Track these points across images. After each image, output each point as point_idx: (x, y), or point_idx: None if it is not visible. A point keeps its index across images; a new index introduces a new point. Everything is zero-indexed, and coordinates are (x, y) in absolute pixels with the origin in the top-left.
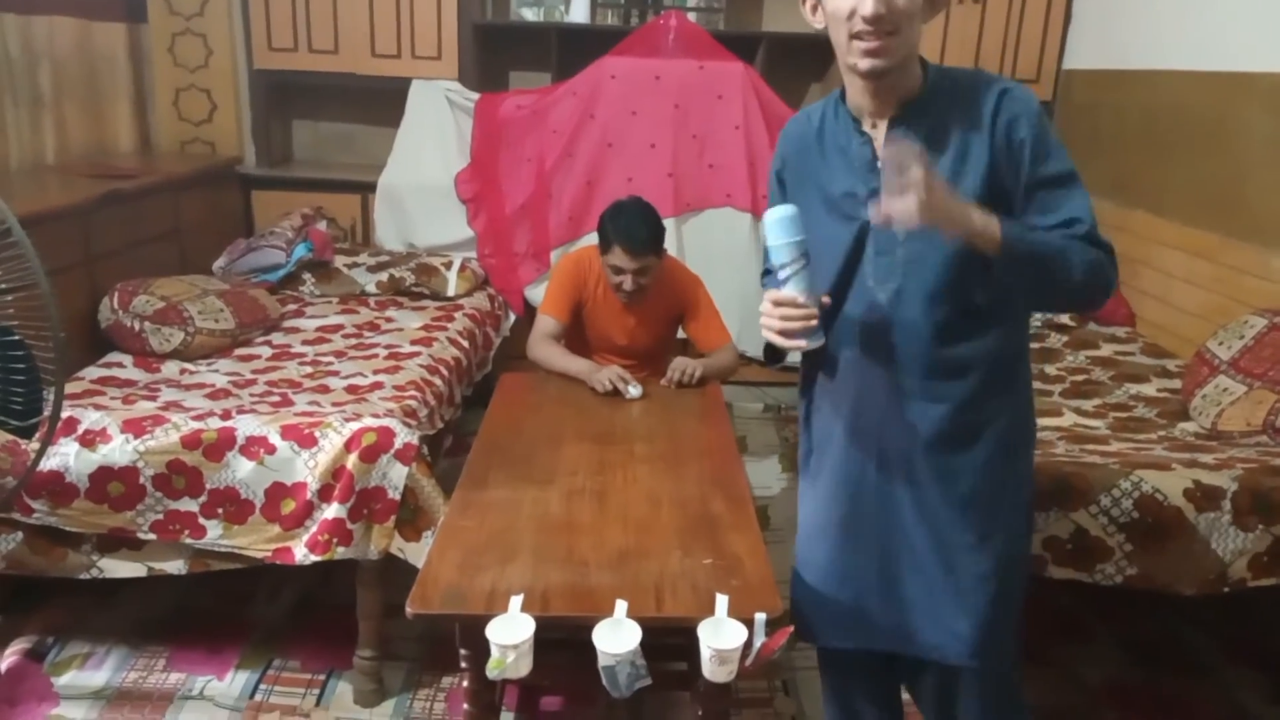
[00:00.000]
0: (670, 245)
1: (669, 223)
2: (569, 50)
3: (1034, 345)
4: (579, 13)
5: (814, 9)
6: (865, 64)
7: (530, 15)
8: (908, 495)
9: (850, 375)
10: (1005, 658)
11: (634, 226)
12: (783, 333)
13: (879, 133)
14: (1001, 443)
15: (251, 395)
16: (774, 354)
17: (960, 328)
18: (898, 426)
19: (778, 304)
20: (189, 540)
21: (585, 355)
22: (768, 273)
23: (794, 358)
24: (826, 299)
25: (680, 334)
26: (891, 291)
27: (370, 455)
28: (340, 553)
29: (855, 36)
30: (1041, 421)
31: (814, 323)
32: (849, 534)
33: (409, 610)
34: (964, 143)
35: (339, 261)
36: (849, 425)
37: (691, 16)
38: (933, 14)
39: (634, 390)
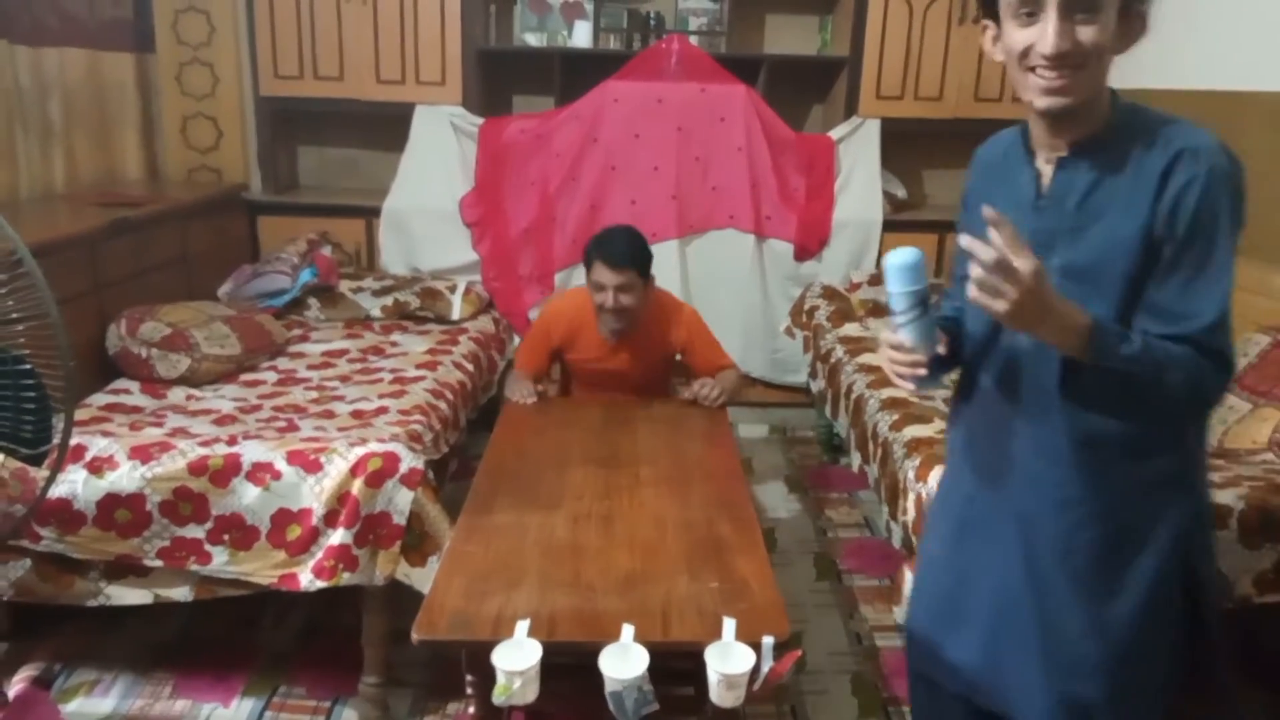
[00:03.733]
0: (674, 267)
1: (673, 244)
2: (572, 74)
3: None
4: (582, 37)
5: (994, 40)
6: (1044, 102)
7: (533, 40)
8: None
9: (985, 406)
10: None
11: (614, 241)
12: (894, 373)
13: (1050, 168)
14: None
15: (257, 421)
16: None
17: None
18: (1018, 473)
19: (890, 345)
20: (195, 567)
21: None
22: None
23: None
24: (942, 348)
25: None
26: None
27: (376, 480)
28: (346, 579)
29: (1031, 70)
30: None
31: (921, 372)
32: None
33: (415, 636)
34: (1130, 195)
35: (344, 286)
36: (970, 457)
37: (693, 40)
38: (1128, 45)
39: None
